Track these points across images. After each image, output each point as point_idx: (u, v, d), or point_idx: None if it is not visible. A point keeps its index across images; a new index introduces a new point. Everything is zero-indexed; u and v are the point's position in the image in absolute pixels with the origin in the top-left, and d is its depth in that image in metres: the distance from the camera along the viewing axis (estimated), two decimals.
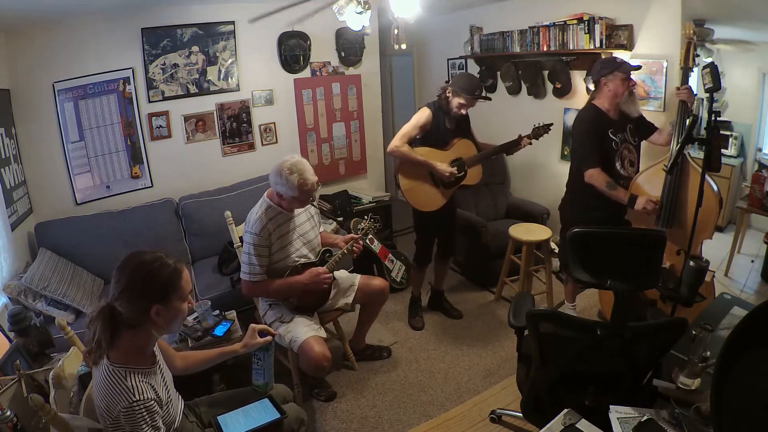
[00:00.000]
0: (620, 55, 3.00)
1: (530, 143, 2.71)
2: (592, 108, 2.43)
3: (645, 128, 2.50)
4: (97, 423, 1.24)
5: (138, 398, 1.14)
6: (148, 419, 1.14)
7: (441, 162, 2.60)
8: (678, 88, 2.30)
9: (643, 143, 2.55)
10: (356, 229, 2.37)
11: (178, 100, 3.33)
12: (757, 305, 0.98)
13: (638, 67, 2.40)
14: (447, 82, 2.63)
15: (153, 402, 1.17)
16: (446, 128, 2.65)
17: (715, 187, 2.22)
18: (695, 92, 2.34)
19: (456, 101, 2.54)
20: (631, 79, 2.35)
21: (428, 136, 2.63)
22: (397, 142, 2.57)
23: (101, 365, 1.18)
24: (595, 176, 2.35)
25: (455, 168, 2.62)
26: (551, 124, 2.75)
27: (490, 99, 2.68)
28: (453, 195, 2.79)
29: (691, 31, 2.25)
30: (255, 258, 2.05)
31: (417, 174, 2.64)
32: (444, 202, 2.71)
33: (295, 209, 2.19)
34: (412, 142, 2.62)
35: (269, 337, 1.60)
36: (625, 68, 2.32)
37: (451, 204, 2.81)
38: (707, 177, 2.18)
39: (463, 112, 2.60)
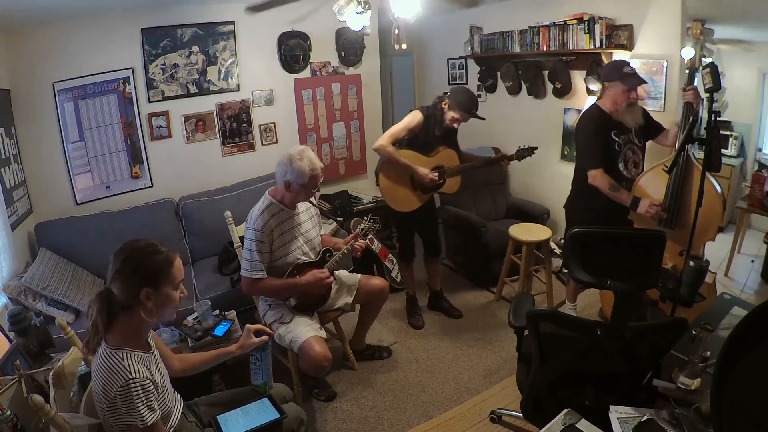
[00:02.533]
0: (620, 55, 3.01)
1: (509, 164, 2.79)
2: (596, 109, 2.43)
3: (651, 129, 2.47)
4: (97, 419, 1.25)
5: (134, 376, 1.16)
6: (143, 398, 1.17)
7: (423, 167, 2.64)
8: (684, 89, 2.28)
9: (649, 144, 2.53)
10: (356, 230, 2.37)
11: (178, 100, 3.33)
12: (757, 305, 0.98)
13: (643, 82, 2.35)
14: (445, 93, 2.64)
15: (149, 381, 1.20)
16: (434, 135, 2.68)
17: (719, 189, 2.20)
18: None
19: (450, 114, 2.58)
20: (635, 92, 2.31)
21: (415, 140, 2.66)
22: (384, 141, 2.60)
23: (99, 351, 1.22)
24: (597, 178, 2.36)
25: (436, 174, 2.66)
26: (536, 148, 2.79)
27: (483, 119, 2.72)
28: (432, 199, 2.84)
29: (698, 31, 2.24)
30: (257, 254, 2.05)
31: (397, 175, 2.68)
32: (418, 206, 2.76)
33: (297, 206, 2.19)
34: (399, 143, 2.64)
35: (265, 337, 1.60)
36: (629, 82, 2.27)
37: (430, 207, 2.87)
38: (712, 179, 2.18)
39: (456, 126, 2.64)
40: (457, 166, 2.74)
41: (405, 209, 2.74)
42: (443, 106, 2.59)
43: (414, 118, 2.63)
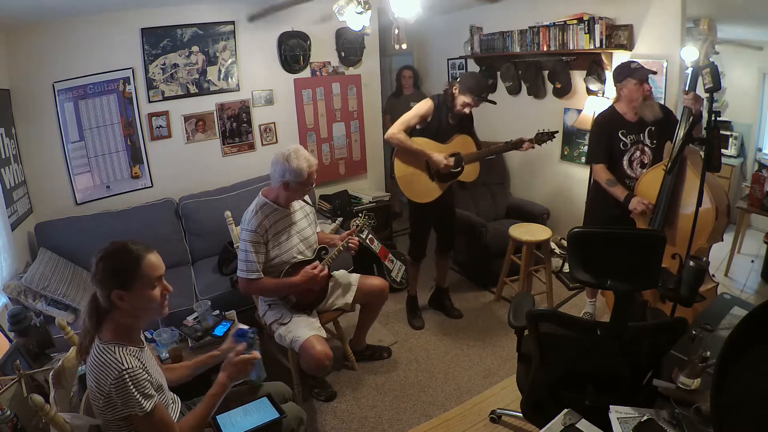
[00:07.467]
0: (620, 55, 3.01)
1: (533, 147, 2.67)
2: (610, 109, 2.50)
3: (673, 131, 2.40)
4: (97, 420, 1.24)
5: (126, 367, 1.16)
6: (138, 386, 1.17)
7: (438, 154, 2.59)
8: (686, 93, 2.26)
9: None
10: (353, 227, 2.37)
11: (178, 100, 3.32)
12: (757, 305, 0.98)
13: (653, 72, 2.38)
14: (456, 79, 2.61)
15: (141, 371, 1.20)
16: (448, 123, 2.63)
17: (723, 203, 2.14)
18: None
19: (461, 99, 2.54)
20: (647, 84, 2.34)
21: (428, 128, 2.62)
22: (395, 129, 2.57)
23: (92, 348, 1.23)
24: (597, 172, 2.48)
25: (452, 160, 2.60)
26: (556, 132, 2.71)
27: (495, 103, 2.65)
28: (452, 191, 2.77)
29: (706, 27, 2.24)
30: (252, 255, 2.05)
31: (413, 163, 2.63)
32: (437, 196, 2.69)
33: (291, 205, 2.19)
34: (411, 131, 2.61)
35: (244, 344, 1.52)
36: (638, 75, 2.32)
37: (449, 199, 2.80)
38: (712, 192, 2.15)
39: (467, 111, 2.59)
40: (473, 153, 2.67)
41: (424, 200, 2.66)
42: (453, 91, 2.56)
43: (424, 104, 2.60)
